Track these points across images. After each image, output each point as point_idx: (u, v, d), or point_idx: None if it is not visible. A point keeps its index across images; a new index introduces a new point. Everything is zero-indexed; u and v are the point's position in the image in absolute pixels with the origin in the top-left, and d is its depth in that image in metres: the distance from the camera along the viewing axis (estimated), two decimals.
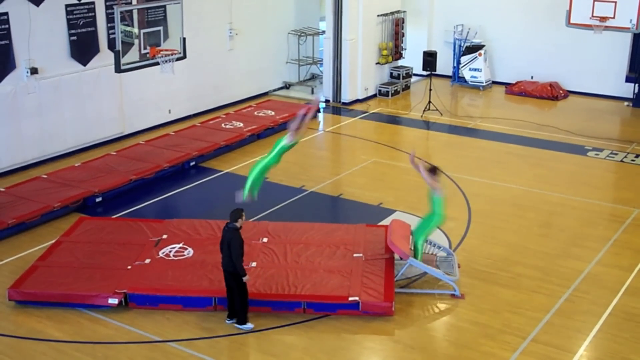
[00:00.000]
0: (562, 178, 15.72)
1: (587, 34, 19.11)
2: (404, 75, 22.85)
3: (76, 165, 15.63)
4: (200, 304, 10.40)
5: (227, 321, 10.17)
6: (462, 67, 23.28)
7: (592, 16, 17.36)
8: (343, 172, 16.06)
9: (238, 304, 9.98)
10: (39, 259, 11.56)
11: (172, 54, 14.68)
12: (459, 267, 11.51)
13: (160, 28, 14.93)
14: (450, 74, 23.78)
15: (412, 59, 22.92)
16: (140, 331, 10.07)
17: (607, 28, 17.47)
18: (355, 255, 11.59)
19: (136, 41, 14.17)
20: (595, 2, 17.26)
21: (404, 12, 22.92)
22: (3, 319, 10.35)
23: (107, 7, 16.68)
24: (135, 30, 14.15)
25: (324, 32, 22.32)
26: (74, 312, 10.47)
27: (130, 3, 16.33)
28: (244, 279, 9.80)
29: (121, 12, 13.83)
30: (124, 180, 14.84)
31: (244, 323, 10.05)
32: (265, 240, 12.14)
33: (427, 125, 19.67)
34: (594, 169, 16.35)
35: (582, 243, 12.67)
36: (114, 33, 15.40)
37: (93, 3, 16.55)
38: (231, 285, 9.91)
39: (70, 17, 16.20)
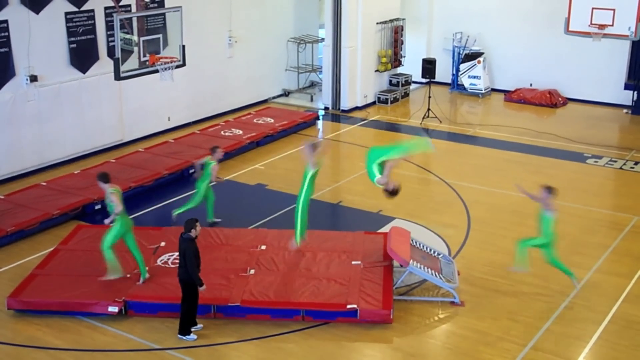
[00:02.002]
0: (561, 185, 15.61)
1: (586, 42, 19.13)
2: (403, 82, 22.88)
3: (75, 172, 15.63)
4: (199, 311, 10.36)
5: (192, 329, 10.15)
6: (461, 74, 23.31)
7: (591, 24, 17.38)
8: (342, 180, 16.06)
9: (183, 313, 9.95)
10: (37, 267, 11.55)
11: (171, 62, 14.69)
12: (458, 274, 11.51)
13: (160, 36, 14.95)
14: (449, 81, 23.82)
15: (411, 67, 22.97)
16: (139, 339, 10.05)
17: (605, 36, 17.50)
18: (353, 262, 11.58)
19: (135, 49, 14.19)
20: (594, 10, 17.29)
21: (403, 19, 22.98)
22: (2, 327, 10.34)
23: (106, 15, 16.72)
24: (135, 37, 14.16)
25: (323, 39, 22.37)
26: (73, 320, 10.46)
27: (130, 11, 16.36)
28: (201, 288, 9.84)
29: (121, 20, 13.85)
30: (123, 188, 14.67)
31: (187, 334, 10.01)
32: (263, 247, 12.14)
33: (426, 132, 19.67)
34: (593, 177, 16.35)
35: (582, 250, 12.67)
36: (113, 41, 15.43)
37: (92, 11, 16.59)
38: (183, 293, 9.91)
39: (70, 24, 16.23)
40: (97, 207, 14.22)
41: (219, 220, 13.58)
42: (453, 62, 23.50)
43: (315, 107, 21.81)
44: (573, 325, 10.37)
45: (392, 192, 11.14)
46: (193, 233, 9.81)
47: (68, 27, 16.22)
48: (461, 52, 23.32)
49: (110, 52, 16.69)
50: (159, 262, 11.65)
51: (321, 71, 22.54)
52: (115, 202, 10.74)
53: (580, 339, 10.06)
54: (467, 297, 11.06)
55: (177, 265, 9.93)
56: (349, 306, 10.34)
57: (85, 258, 11.81)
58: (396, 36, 22.65)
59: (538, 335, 10.12)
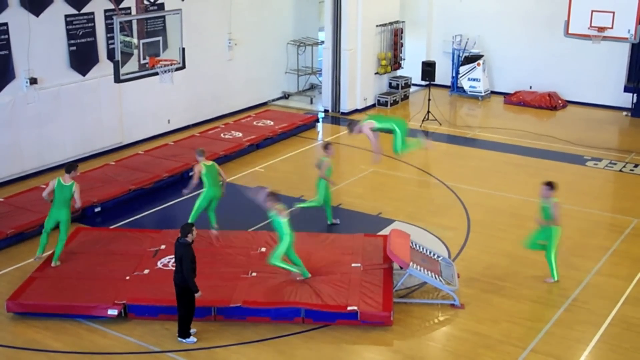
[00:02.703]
0: (561, 188, 15.61)
1: (586, 44, 19.17)
2: (403, 85, 22.89)
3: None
4: (199, 314, 10.35)
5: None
6: (460, 77, 23.32)
7: (591, 26, 17.41)
8: (342, 182, 16.05)
9: (182, 317, 9.95)
10: (36, 270, 11.54)
11: (171, 64, 14.68)
12: (458, 276, 11.50)
13: (160, 38, 14.92)
14: (449, 84, 23.84)
15: (411, 69, 22.99)
16: (139, 342, 10.05)
17: (605, 38, 17.52)
18: (353, 265, 11.58)
19: (135, 51, 14.18)
20: (594, 13, 17.31)
21: (403, 22, 22.99)
22: (1, 330, 10.33)
23: (106, 18, 16.73)
24: (135, 40, 14.16)
25: (323, 42, 22.38)
26: (72, 323, 10.45)
27: (130, 13, 16.36)
28: (197, 295, 9.81)
29: (120, 23, 13.85)
30: (123, 190, 14.84)
31: (187, 337, 10.02)
32: (263, 250, 12.13)
33: (426, 135, 19.65)
34: (592, 179, 16.35)
35: (582, 253, 12.66)
36: (113, 43, 15.42)
37: (92, 13, 16.60)
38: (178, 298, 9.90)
39: (70, 27, 16.24)
40: (97, 209, 14.23)
41: (337, 221, 13.71)
42: (453, 64, 23.52)
43: (315, 110, 21.81)
44: (573, 328, 10.36)
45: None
46: (189, 238, 9.79)
47: (68, 30, 16.23)
48: (461, 55, 23.33)
49: (110, 55, 16.70)
50: (159, 265, 11.64)
51: (321, 74, 22.55)
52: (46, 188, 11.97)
53: (581, 341, 10.06)
54: (467, 300, 11.05)
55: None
56: (349, 308, 10.33)
57: (86, 261, 11.81)
58: (396, 39, 22.65)
59: (538, 338, 10.11)
